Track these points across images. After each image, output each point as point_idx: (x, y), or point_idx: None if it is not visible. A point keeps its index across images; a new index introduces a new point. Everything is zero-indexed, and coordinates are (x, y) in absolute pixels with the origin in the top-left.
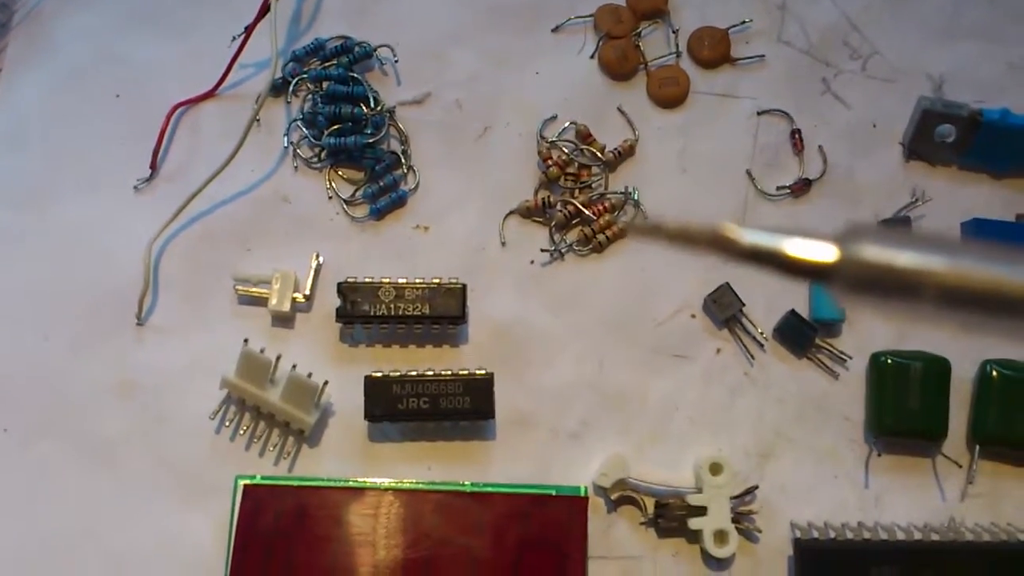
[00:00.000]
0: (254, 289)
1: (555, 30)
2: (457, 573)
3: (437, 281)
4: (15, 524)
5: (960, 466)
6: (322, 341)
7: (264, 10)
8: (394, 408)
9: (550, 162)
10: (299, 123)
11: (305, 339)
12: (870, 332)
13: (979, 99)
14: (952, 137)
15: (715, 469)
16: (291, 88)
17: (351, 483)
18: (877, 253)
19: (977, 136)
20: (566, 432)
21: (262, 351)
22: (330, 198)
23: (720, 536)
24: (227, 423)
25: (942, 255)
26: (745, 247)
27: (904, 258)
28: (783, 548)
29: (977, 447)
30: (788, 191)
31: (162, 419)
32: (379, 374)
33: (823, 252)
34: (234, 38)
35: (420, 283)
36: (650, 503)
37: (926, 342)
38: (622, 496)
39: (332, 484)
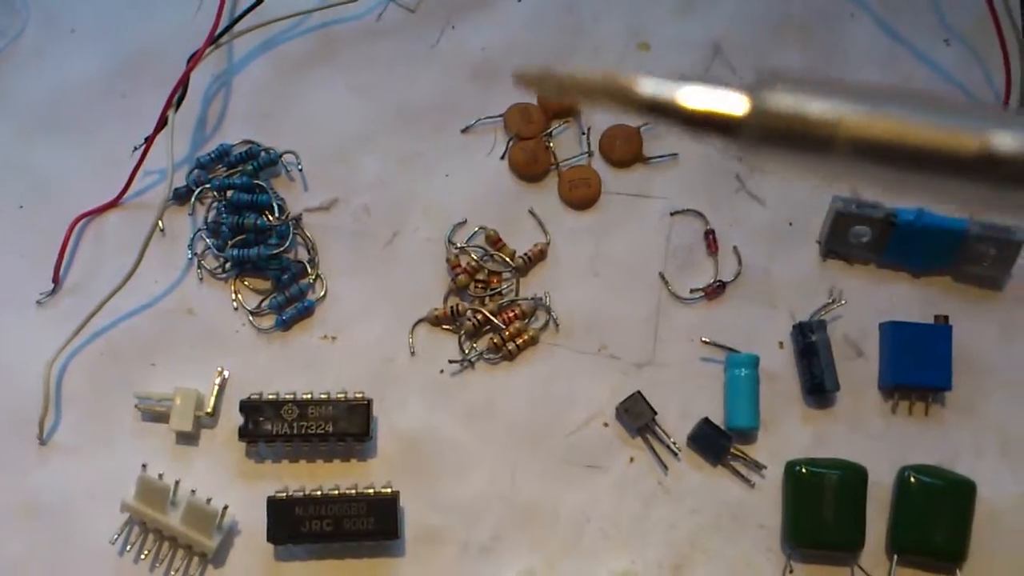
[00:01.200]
0: (157, 407)
1: (464, 131)
2: None
3: (342, 396)
4: None
5: None
6: (227, 458)
7: (161, 123)
8: (297, 530)
9: (459, 269)
10: (203, 233)
11: (210, 456)
12: (787, 437)
13: None
14: (867, 237)
15: None
16: (194, 197)
17: None
18: (788, 103)
19: (893, 236)
20: (477, 546)
21: (161, 476)
22: (236, 309)
23: None
24: (130, 545)
25: (856, 104)
26: (644, 98)
27: (816, 107)
28: None
29: (895, 556)
30: (702, 294)
31: (65, 541)
32: (282, 495)
33: (730, 103)
34: (135, 148)
35: (324, 399)
36: None
37: (842, 449)
38: None
39: None
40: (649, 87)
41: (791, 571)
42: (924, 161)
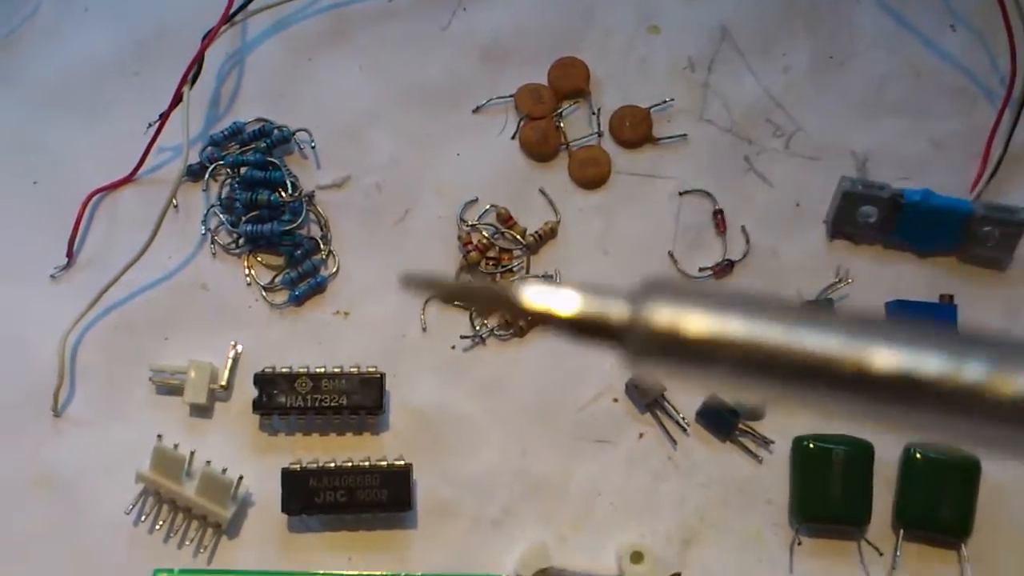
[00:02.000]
0: (171, 380)
1: (476, 111)
2: None
3: (355, 370)
4: None
5: (881, 553)
6: (241, 431)
7: (176, 100)
8: (311, 501)
9: (470, 247)
10: (216, 209)
11: (224, 429)
12: (793, 417)
13: (903, 176)
14: (874, 218)
15: (636, 558)
16: (208, 174)
17: (272, 575)
18: (668, 315)
19: (900, 216)
20: (488, 520)
21: (176, 446)
22: (249, 284)
23: None
24: (144, 516)
25: (736, 319)
26: (528, 307)
27: (696, 322)
28: None
29: (901, 531)
30: (711, 272)
31: (80, 512)
32: (296, 467)
33: (612, 313)
34: (150, 124)
35: (337, 372)
36: None
37: (848, 426)
38: None
39: None
40: (533, 297)
41: (799, 543)
42: (804, 377)
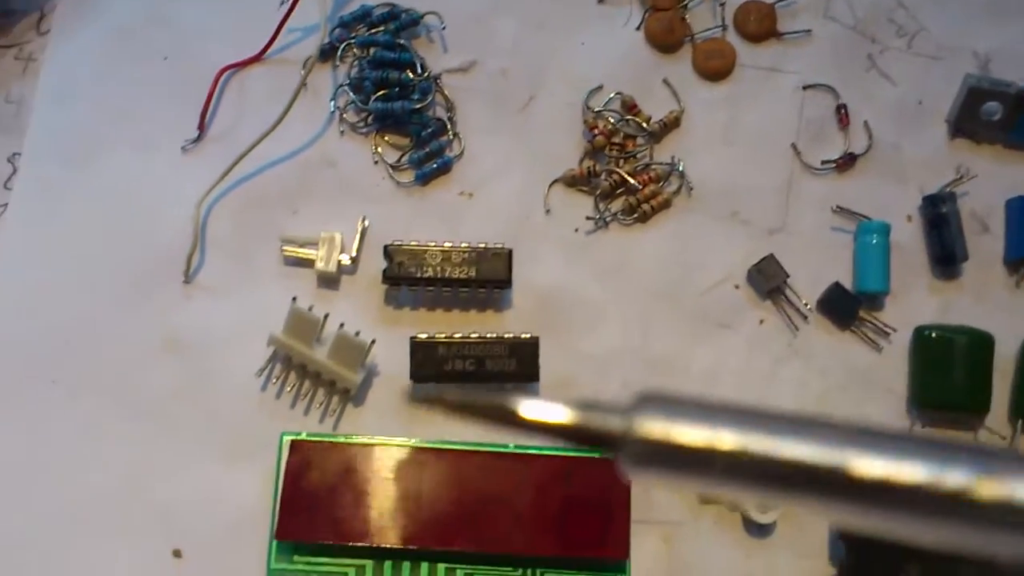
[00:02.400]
0: (300, 250)
1: (601, 1)
2: (502, 529)
3: (483, 245)
4: (63, 474)
5: (1004, 438)
6: (366, 303)
7: None
8: (439, 369)
9: (596, 131)
10: (346, 88)
11: (350, 301)
12: (914, 305)
13: None
14: (998, 115)
15: None
16: (339, 53)
17: (396, 441)
18: (662, 428)
19: (1022, 114)
20: (609, 396)
21: (310, 309)
22: (375, 163)
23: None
24: (274, 380)
25: (729, 430)
26: (527, 420)
27: (687, 434)
28: None
29: (1020, 422)
30: (833, 165)
31: (209, 375)
32: (424, 336)
33: (607, 425)
34: (282, 2)
35: (466, 247)
36: None
37: (968, 318)
38: None
39: (378, 442)
40: (531, 412)
41: (923, 426)
42: (797, 484)
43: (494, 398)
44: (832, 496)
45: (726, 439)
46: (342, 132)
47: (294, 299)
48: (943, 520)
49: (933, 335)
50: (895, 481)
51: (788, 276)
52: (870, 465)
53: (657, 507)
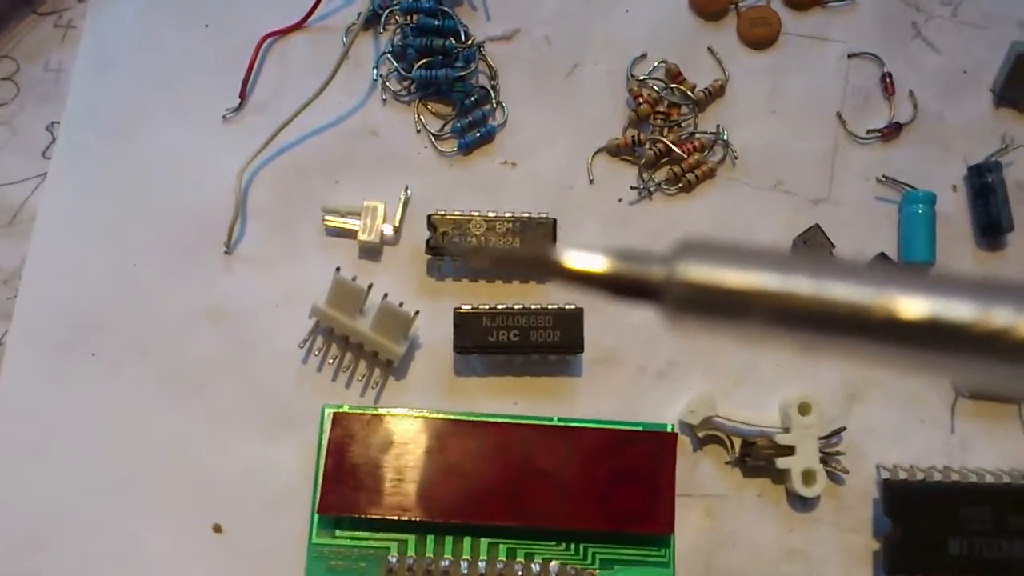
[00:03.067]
0: (342, 221)
1: None
2: (547, 503)
3: (528, 215)
4: (103, 447)
5: None
6: (409, 274)
7: None
8: (484, 340)
9: (640, 100)
10: (388, 56)
11: (392, 272)
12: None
13: None
14: None
15: (804, 409)
16: (382, 20)
17: (439, 415)
18: (704, 272)
19: None
20: (653, 371)
21: (353, 279)
22: (418, 132)
23: (808, 476)
24: (315, 352)
25: (770, 272)
26: (570, 270)
27: (731, 277)
28: (868, 490)
29: None
30: (879, 134)
31: (250, 347)
32: (468, 307)
33: (649, 272)
34: None
35: (511, 216)
36: (736, 443)
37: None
38: (708, 435)
39: (420, 415)
40: (572, 260)
41: (967, 397)
42: (836, 327)
43: (536, 248)
44: (874, 336)
45: (768, 280)
46: (384, 101)
47: (337, 269)
48: (986, 359)
49: None
50: (940, 319)
51: (834, 247)
52: (915, 303)
53: (701, 481)
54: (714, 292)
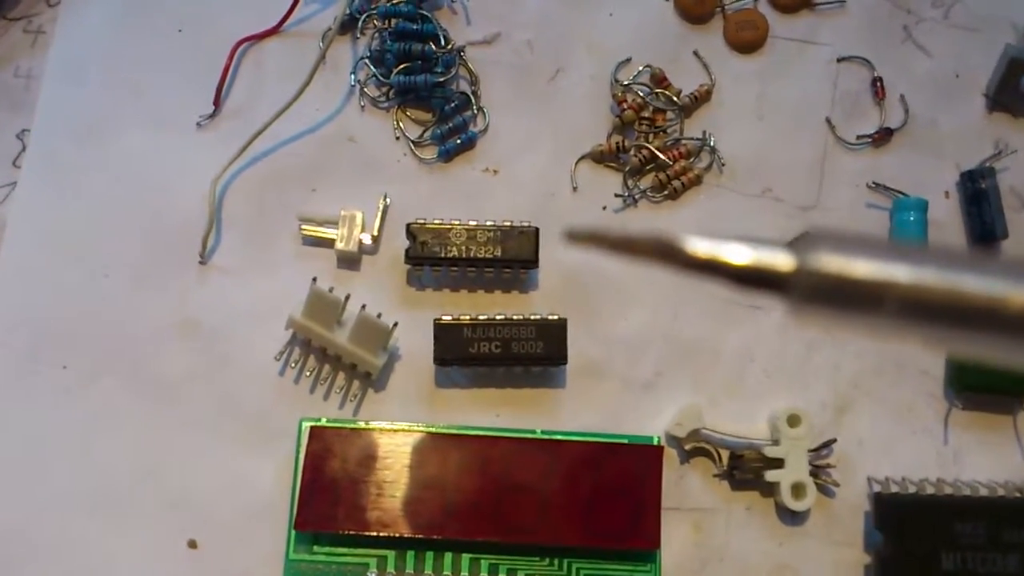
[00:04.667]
0: (320, 230)
1: None
2: (529, 517)
3: (509, 224)
4: (74, 463)
5: None
6: (388, 284)
7: None
8: (464, 352)
9: (625, 105)
10: (367, 61)
11: (371, 282)
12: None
13: None
14: None
15: (793, 421)
16: (359, 25)
17: (419, 428)
18: (834, 262)
19: None
20: (639, 382)
21: (330, 290)
22: (397, 138)
23: (798, 489)
24: (292, 365)
25: (903, 264)
26: (693, 257)
27: (863, 268)
28: (859, 503)
29: None
30: (869, 140)
31: (225, 360)
32: (448, 318)
33: (777, 261)
34: None
35: (492, 225)
36: (724, 455)
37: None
38: (695, 447)
39: (400, 428)
40: (696, 247)
41: (961, 407)
42: (971, 320)
43: (659, 233)
44: (1010, 330)
45: (901, 273)
46: (362, 107)
47: (314, 279)
48: None
49: None
50: None
51: None
52: None
53: (688, 494)
54: (845, 283)
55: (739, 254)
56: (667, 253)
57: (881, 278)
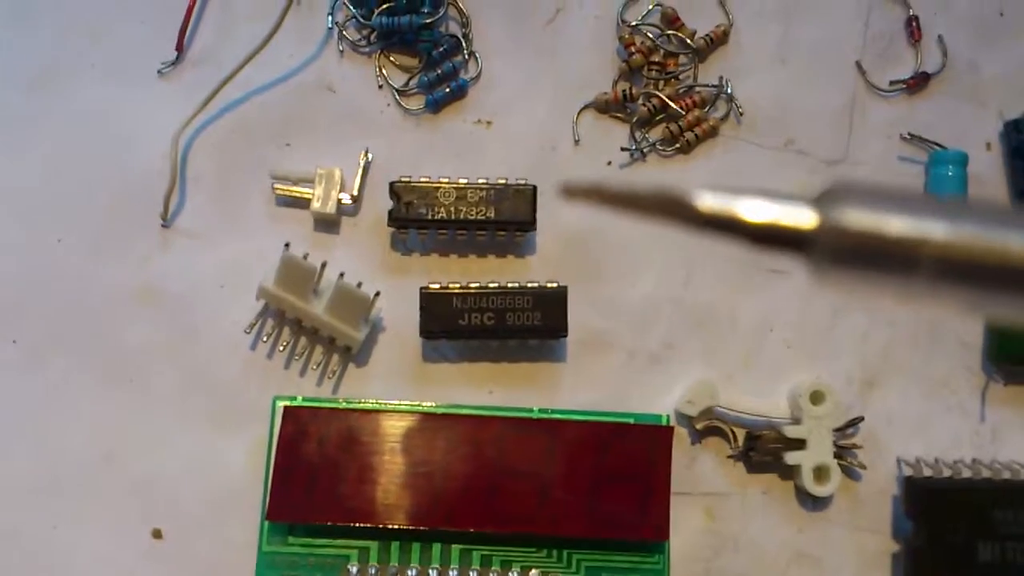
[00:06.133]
0: (295, 189)
1: None
2: (526, 505)
3: (504, 182)
4: (26, 446)
5: None
6: (371, 249)
7: None
8: (454, 324)
9: (632, 49)
10: (345, 1)
11: (352, 246)
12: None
13: None
14: None
15: (816, 398)
16: None
17: (405, 406)
18: (863, 218)
19: None
20: (646, 354)
21: (305, 257)
22: (380, 87)
23: (820, 472)
24: (264, 338)
25: (940, 220)
26: (704, 213)
27: (896, 225)
28: (887, 487)
29: None
30: (903, 86)
31: (191, 333)
32: (436, 286)
33: (799, 218)
34: None
35: (484, 184)
36: (740, 435)
37: None
38: (708, 426)
39: (384, 407)
40: (708, 202)
41: (1005, 384)
42: (1015, 281)
43: (666, 187)
44: None
45: (938, 229)
46: (341, 52)
47: (287, 245)
48: None
49: None
50: None
51: None
52: None
53: (700, 478)
54: (876, 241)
55: (756, 210)
56: (675, 209)
57: (915, 235)
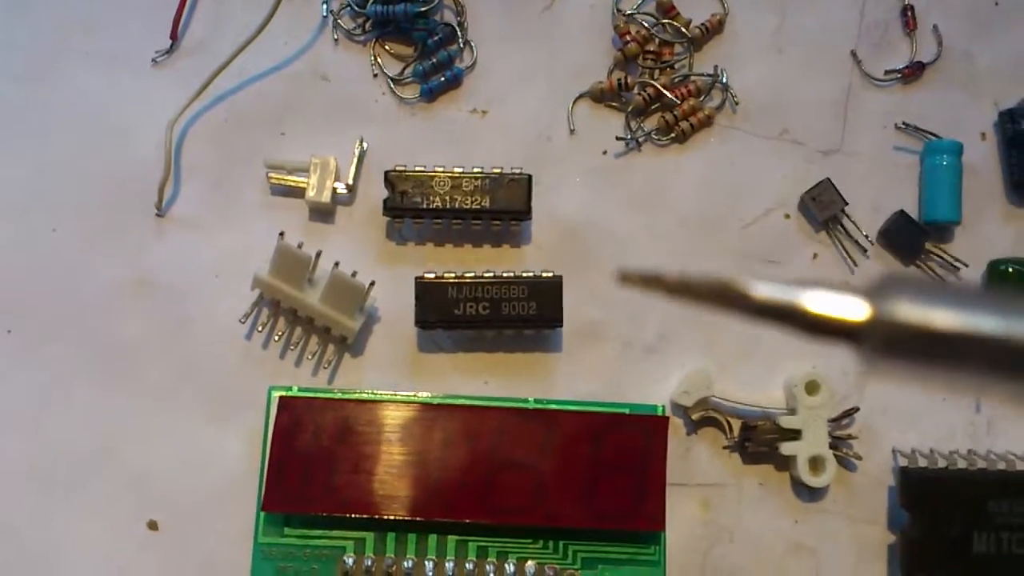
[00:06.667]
0: (289, 178)
1: None
2: (522, 496)
3: (498, 171)
4: (20, 436)
5: None
6: (366, 238)
7: None
8: (449, 314)
9: (627, 38)
10: None
11: (347, 235)
12: (988, 236)
13: None
14: None
15: (812, 388)
16: None
17: (400, 397)
18: (915, 312)
19: None
20: (641, 345)
21: (300, 246)
22: (375, 76)
23: (816, 463)
24: (259, 328)
25: (989, 315)
26: (758, 302)
27: (945, 318)
28: (883, 478)
29: None
30: (898, 75)
31: (185, 323)
32: (431, 276)
33: (853, 310)
34: None
35: (479, 173)
36: (735, 425)
37: None
38: (704, 417)
39: (379, 397)
40: (763, 292)
41: None
42: None
43: (722, 278)
44: None
45: (987, 324)
46: (336, 40)
47: (281, 234)
48: None
49: (1010, 270)
50: None
51: (846, 204)
52: None
53: (696, 469)
54: (926, 334)
55: (811, 301)
56: (731, 299)
57: (965, 330)
